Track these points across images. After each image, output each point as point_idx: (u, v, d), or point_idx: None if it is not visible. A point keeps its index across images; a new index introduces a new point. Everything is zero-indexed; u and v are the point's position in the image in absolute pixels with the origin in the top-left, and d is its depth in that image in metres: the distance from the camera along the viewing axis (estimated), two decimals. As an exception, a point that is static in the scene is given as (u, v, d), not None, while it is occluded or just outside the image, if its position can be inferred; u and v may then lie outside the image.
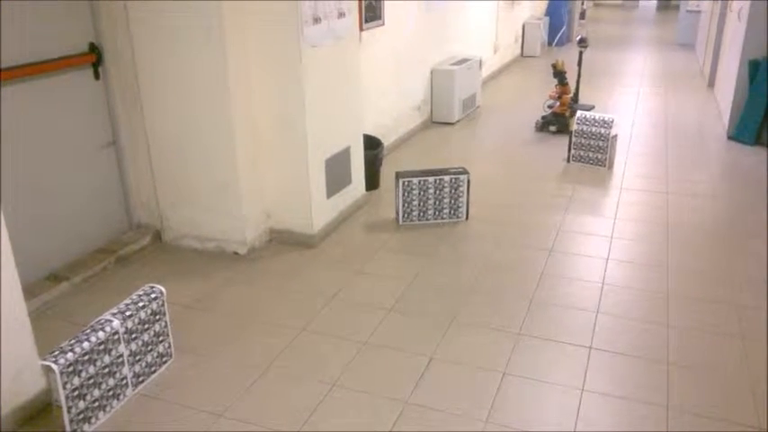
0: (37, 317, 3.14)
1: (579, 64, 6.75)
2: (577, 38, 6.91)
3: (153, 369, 2.81)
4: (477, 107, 7.46)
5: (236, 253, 3.93)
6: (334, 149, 4.16)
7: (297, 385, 2.76)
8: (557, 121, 6.40)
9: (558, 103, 6.42)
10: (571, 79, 6.58)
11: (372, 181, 4.86)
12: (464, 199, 4.34)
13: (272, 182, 3.99)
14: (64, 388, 2.36)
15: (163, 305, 2.83)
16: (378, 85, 5.47)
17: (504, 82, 9.02)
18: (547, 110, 6.52)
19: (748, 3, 6.04)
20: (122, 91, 3.84)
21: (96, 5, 3.66)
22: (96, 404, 2.52)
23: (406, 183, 4.24)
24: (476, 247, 4.08)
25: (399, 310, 3.32)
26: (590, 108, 6.56)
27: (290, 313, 3.30)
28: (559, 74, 6.37)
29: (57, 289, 3.43)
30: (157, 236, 4.10)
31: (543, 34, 11.19)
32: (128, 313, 2.65)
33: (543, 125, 6.49)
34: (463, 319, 3.23)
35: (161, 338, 2.84)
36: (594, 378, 2.79)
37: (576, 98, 6.76)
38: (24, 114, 3.33)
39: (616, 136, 5.40)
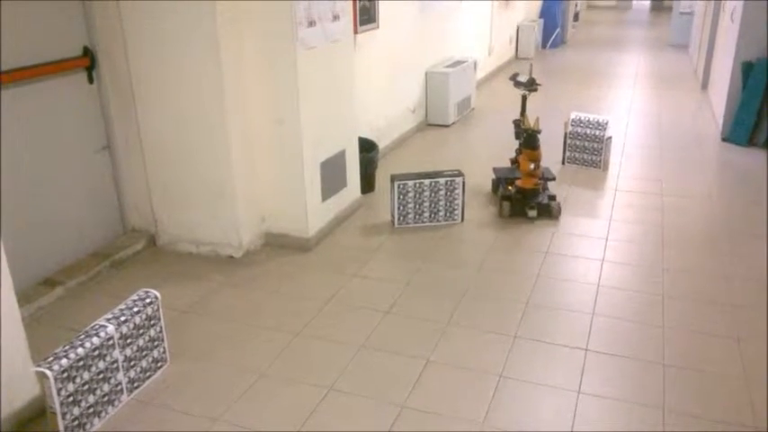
0: (31, 322, 3.13)
1: (523, 111, 4.67)
2: (517, 77, 4.77)
3: (148, 374, 2.79)
4: (472, 109, 7.47)
5: (231, 257, 3.92)
6: (329, 152, 4.15)
7: (293, 389, 2.75)
8: (534, 202, 4.38)
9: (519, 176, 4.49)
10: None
11: (368, 184, 4.86)
12: (459, 201, 4.33)
13: (267, 185, 3.98)
14: (58, 394, 2.35)
15: (158, 310, 2.82)
16: (373, 87, 5.47)
17: (498, 84, 9.02)
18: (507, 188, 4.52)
19: (741, 4, 6.07)
20: (116, 95, 3.83)
21: (90, 9, 3.65)
22: (91, 410, 2.51)
23: (402, 185, 4.23)
24: (471, 249, 4.08)
25: (395, 313, 3.31)
26: (552, 178, 4.68)
27: (285, 317, 3.29)
28: (531, 136, 4.33)
29: (51, 294, 3.41)
30: (152, 240, 4.08)
31: (537, 36, 11.22)
32: (122, 318, 2.64)
33: (512, 208, 4.41)
34: (459, 321, 3.23)
35: (156, 343, 2.83)
36: (590, 380, 2.79)
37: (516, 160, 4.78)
38: (18, 118, 3.31)
39: (610, 138, 5.41)
